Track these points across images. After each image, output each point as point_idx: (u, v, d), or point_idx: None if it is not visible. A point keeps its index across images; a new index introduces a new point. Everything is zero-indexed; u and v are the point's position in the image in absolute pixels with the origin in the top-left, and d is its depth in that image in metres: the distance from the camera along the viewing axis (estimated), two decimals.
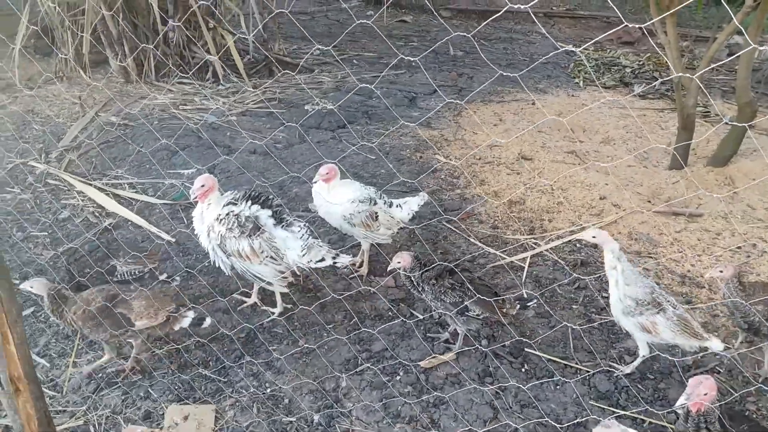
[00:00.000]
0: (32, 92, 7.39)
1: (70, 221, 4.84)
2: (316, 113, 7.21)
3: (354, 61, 9.73)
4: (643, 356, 3.42)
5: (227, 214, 3.65)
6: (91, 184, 5.35)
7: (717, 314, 4.02)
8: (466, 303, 3.40)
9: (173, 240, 4.64)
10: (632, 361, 3.54)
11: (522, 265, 4.57)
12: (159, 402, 3.17)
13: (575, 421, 3.15)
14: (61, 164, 5.80)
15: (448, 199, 5.50)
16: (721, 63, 9.87)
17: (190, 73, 7.79)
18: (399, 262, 3.50)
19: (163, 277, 3.80)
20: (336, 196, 4.07)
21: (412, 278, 3.51)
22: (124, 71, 7.85)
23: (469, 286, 3.42)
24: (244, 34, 8.23)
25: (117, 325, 3.20)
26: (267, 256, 3.68)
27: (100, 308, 3.19)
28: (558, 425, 3.08)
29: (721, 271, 3.46)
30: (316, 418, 3.14)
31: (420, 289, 3.52)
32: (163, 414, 3.10)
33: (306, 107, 7.36)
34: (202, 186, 3.62)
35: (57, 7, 7.45)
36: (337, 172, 4.08)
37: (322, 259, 3.73)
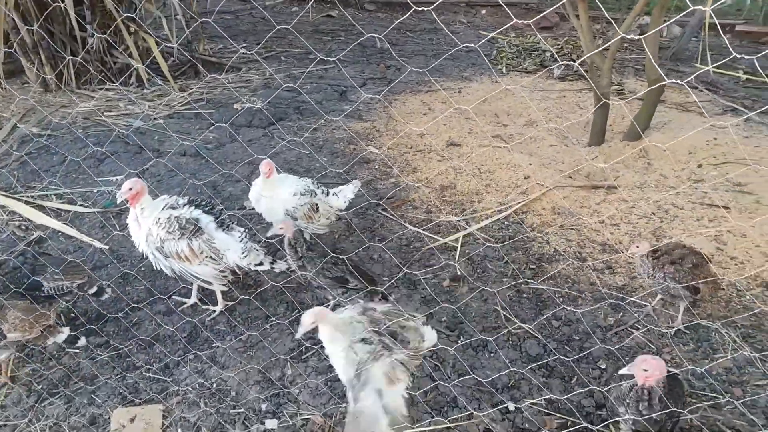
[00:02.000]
0: None
1: None
2: (246, 111, 7.21)
3: (282, 57, 9.73)
4: None
5: (168, 218, 3.70)
6: (14, 197, 5.20)
7: (634, 276, 4.33)
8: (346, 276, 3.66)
9: (106, 247, 4.59)
10: (559, 326, 3.81)
11: (455, 245, 4.77)
12: (104, 407, 3.18)
13: (509, 384, 3.38)
14: None
15: (382, 188, 5.65)
16: (632, 42, 10.46)
17: (115, 79, 7.63)
18: (281, 228, 3.68)
19: (92, 291, 3.72)
20: (277, 191, 4.18)
21: (297, 250, 3.70)
22: (43, 80, 7.59)
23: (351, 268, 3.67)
24: (167, 37, 8.10)
25: None
26: (206, 257, 3.74)
27: None
28: (493, 389, 3.29)
29: (638, 247, 3.80)
30: (263, 406, 3.23)
31: (299, 261, 3.70)
32: (109, 418, 3.11)
33: (235, 106, 7.34)
34: (130, 189, 3.63)
35: None
36: (272, 165, 4.17)
37: (261, 263, 3.84)
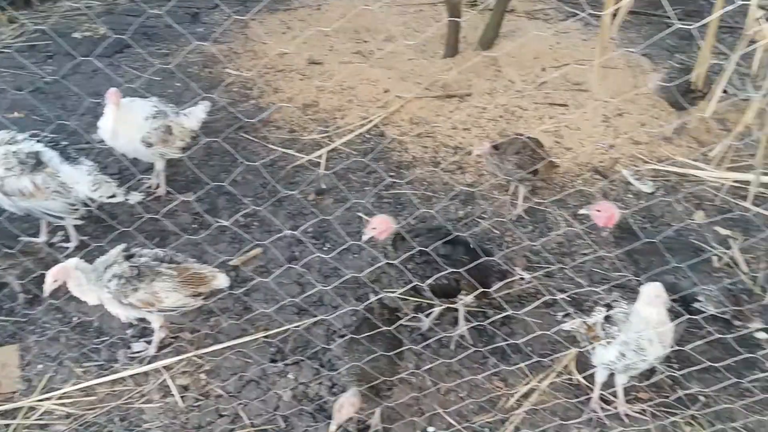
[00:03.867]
0: None
1: None
2: (88, 40, 6.68)
3: None
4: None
5: (4, 154, 3.49)
6: None
7: (482, 174, 4.68)
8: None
9: None
10: (416, 224, 4.09)
11: (319, 161, 4.88)
12: None
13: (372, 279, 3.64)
14: None
15: (243, 110, 5.56)
16: None
17: None
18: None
19: None
20: (127, 119, 4.00)
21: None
22: None
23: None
24: None
25: None
26: (52, 191, 3.58)
27: None
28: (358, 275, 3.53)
29: (479, 149, 4.13)
30: (129, 332, 3.25)
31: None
32: None
33: (74, 35, 6.77)
34: None
35: None
36: (120, 94, 3.98)
37: (114, 195, 3.72)
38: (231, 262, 3.73)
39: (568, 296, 3.24)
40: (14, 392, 2.95)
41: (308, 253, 3.84)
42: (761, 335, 3.27)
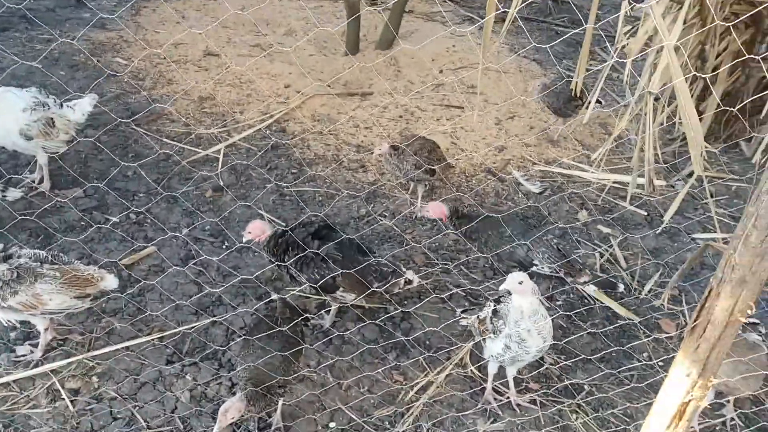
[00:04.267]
0: None
1: None
2: None
3: None
4: None
5: None
6: None
7: (383, 173, 4.79)
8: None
9: None
10: None
11: (217, 156, 4.77)
12: None
13: (272, 278, 3.62)
14: None
15: (134, 102, 5.32)
16: None
17: None
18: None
19: None
20: (3, 110, 3.70)
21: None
22: None
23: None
24: None
25: None
26: None
27: None
28: (258, 282, 3.50)
29: (380, 149, 4.22)
30: (12, 335, 3.04)
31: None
32: None
33: None
34: None
35: None
36: None
37: None
38: (122, 262, 3.57)
39: (462, 290, 3.41)
40: None
41: (205, 252, 3.76)
42: (590, 289, 3.53)
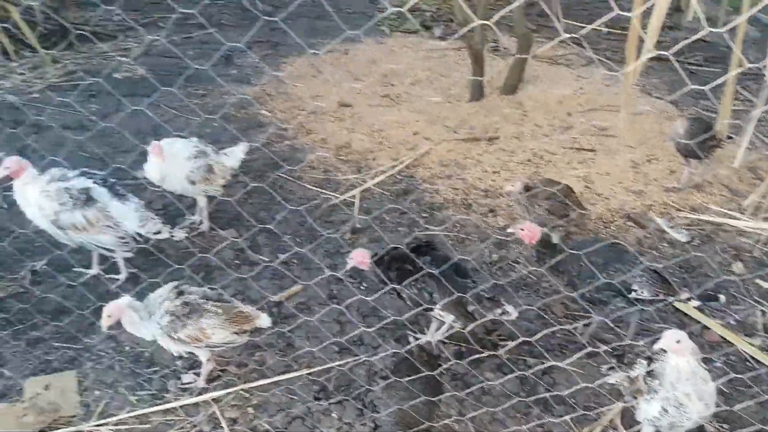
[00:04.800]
0: None
1: None
2: (128, 81, 6.96)
3: (159, 23, 9.34)
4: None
5: (57, 190, 3.68)
6: None
7: (515, 217, 4.80)
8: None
9: None
10: None
11: (353, 200, 5.02)
12: (14, 379, 3.17)
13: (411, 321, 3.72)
14: None
15: (279, 150, 5.75)
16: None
17: None
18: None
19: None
20: (171, 159, 4.17)
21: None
22: None
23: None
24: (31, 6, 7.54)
25: None
26: (104, 225, 3.74)
27: None
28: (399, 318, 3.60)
29: (512, 186, 4.24)
30: (179, 363, 3.35)
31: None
32: (21, 389, 3.11)
33: (115, 75, 7.06)
34: (7, 168, 3.63)
35: None
36: (162, 147, 4.13)
37: (159, 232, 3.90)
38: (274, 299, 3.84)
39: (610, 348, 3.30)
40: (73, 416, 3.05)
41: (346, 292, 3.95)
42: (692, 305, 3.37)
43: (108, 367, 3.30)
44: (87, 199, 3.73)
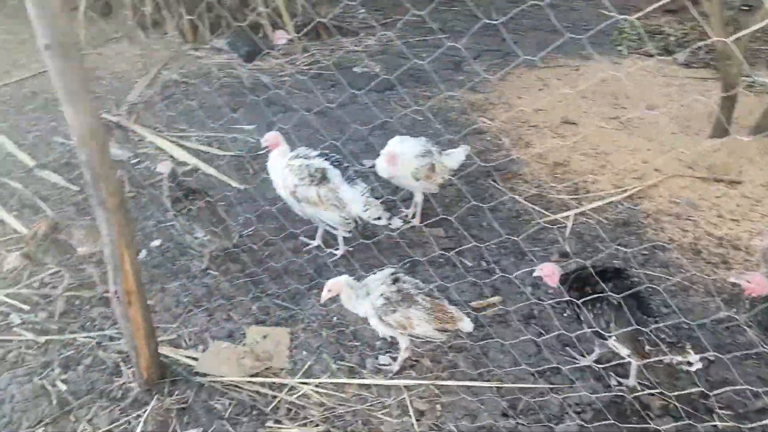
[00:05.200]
0: (98, 51, 7.79)
1: (144, 167, 5.26)
2: (364, 75, 7.46)
3: (398, 25, 9.89)
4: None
5: (299, 166, 4.08)
6: (160, 136, 5.75)
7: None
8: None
9: (242, 187, 5.03)
10: (668, 313, 3.81)
11: (565, 222, 4.82)
12: (239, 324, 3.59)
13: (615, 362, 3.46)
14: (131, 117, 6.21)
15: (493, 159, 5.74)
16: (766, 32, 9.74)
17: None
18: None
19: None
20: (400, 156, 4.39)
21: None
22: (180, 31, 8.18)
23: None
24: None
25: (63, 250, 3.79)
26: (331, 204, 4.06)
27: (45, 235, 3.77)
28: (598, 365, 3.39)
29: (761, 240, 3.73)
30: (377, 343, 3.51)
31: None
32: (245, 334, 3.51)
33: (354, 69, 7.61)
34: (266, 140, 4.21)
35: None
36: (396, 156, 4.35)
37: (379, 218, 4.15)
38: (472, 304, 3.84)
39: None
40: (282, 369, 3.37)
41: (545, 315, 3.81)
42: None
43: (315, 332, 3.58)
44: (322, 178, 4.08)
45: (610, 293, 3.00)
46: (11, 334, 3.61)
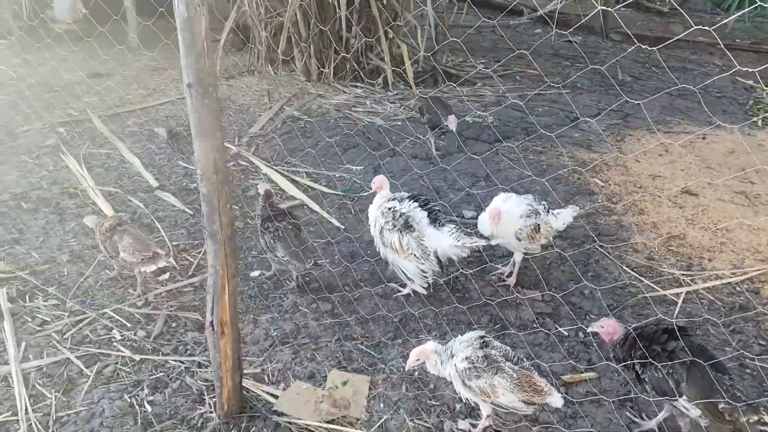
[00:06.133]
0: (229, 82, 8.42)
1: (256, 199, 5.54)
2: (476, 125, 7.46)
3: (517, 77, 9.85)
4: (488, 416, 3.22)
5: (388, 209, 4.12)
6: (274, 169, 6.05)
7: None
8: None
9: (342, 226, 5.15)
10: None
11: (675, 299, 4.48)
12: (322, 365, 3.61)
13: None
14: (250, 148, 6.61)
15: (603, 223, 5.49)
16: None
17: (366, 78, 8.40)
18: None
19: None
20: (504, 214, 4.28)
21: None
22: (307, 70, 8.66)
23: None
24: (416, 45, 8.70)
25: (113, 250, 4.18)
26: (411, 253, 4.04)
27: (108, 230, 4.19)
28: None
29: None
30: (458, 406, 3.40)
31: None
32: (326, 376, 3.53)
33: (466, 118, 7.64)
34: (374, 183, 4.29)
35: (258, 9, 8.43)
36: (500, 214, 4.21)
37: (475, 242, 4.03)
38: (563, 377, 3.64)
39: None
40: (358, 420, 3.34)
41: (641, 402, 3.52)
42: None
43: (395, 385, 3.52)
44: (405, 224, 4.06)
45: (682, 350, 2.93)
46: (111, 348, 3.86)
